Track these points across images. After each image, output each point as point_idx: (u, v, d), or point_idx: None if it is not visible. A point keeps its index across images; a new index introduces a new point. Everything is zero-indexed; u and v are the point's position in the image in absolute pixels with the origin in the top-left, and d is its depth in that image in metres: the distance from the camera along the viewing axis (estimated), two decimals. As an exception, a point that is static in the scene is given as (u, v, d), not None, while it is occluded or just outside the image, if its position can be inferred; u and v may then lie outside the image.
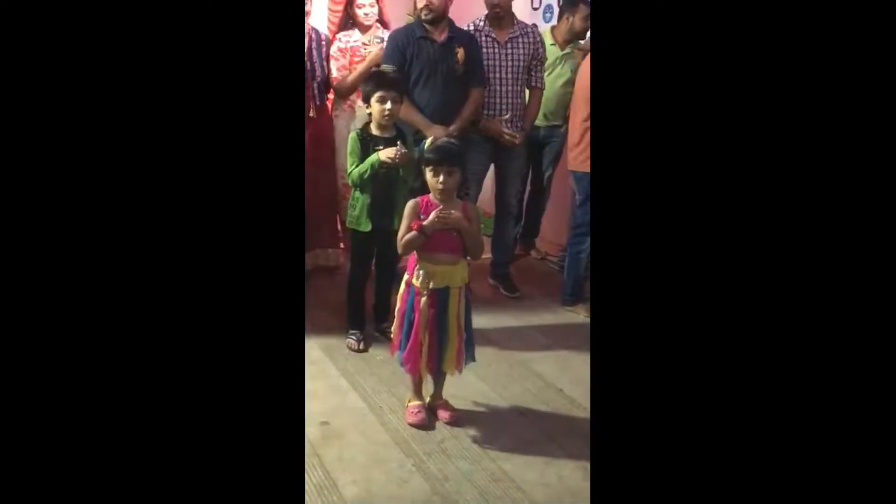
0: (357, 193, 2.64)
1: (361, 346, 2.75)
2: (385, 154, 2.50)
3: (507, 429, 2.23)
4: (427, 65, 2.94)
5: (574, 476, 1.97)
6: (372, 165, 2.53)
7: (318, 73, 3.26)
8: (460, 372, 2.25)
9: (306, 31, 3.12)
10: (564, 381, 2.53)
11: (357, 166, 2.57)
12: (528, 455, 2.08)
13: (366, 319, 2.85)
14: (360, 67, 3.20)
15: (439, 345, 2.16)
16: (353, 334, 2.79)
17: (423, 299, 2.12)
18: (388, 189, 2.60)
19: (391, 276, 2.85)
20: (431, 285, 2.11)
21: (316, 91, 3.27)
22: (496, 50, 3.15)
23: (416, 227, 2.09)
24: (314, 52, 3.23)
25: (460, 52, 2.96)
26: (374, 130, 2.61)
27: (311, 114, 3.25)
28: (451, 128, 2.94)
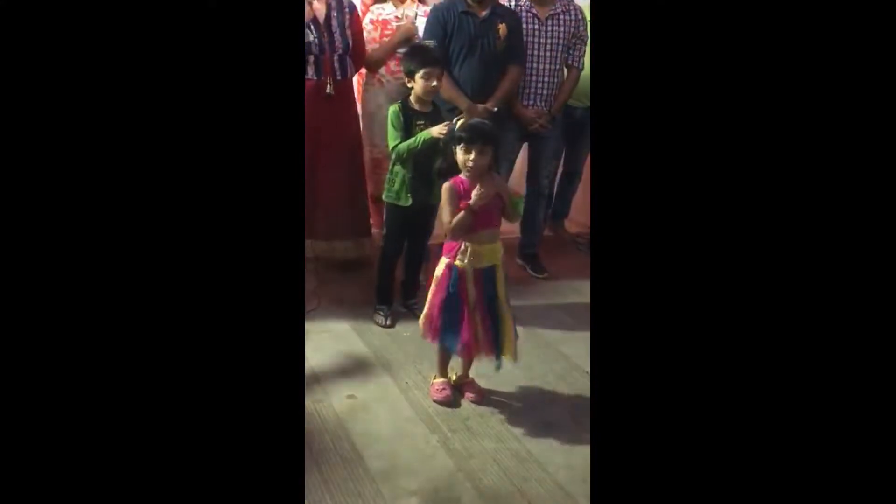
0: (397, 168, 2.64)
1: (388, 322, 2.77)
2: (437, 130, 2.48)
3: (533, 409, 2.23)
4: (467, 40, 2.90)
5: (599, 459, 1.97)
6: (424, 140, 2.52)
7: (339, 44, 2.91)
8: (515, 359, 2.22)
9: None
10: (590, 362, 2.52)
11: (401, 140, 2.57)
12: (553, 436, 2.09)
13: (394, 296, 2.86)
14: (390, 41, 3.16)
15: (494, 327, 2.15)
16: (380, 310, 2.81)
17: (470, 280, 2.11)
18: (427, 163, 2.58)
19: (421, 254, 2.86)
20: (479, 265, 2.10)
21: (336, 64, 2.93)
22: (536, 27, 3.09)
23: (463, 205, 2.07)
24: (333, 21, 2.90)
25: (502, 29, 2.91)
26: (415, 105, 2.62)
27: (328, 90, 2.91)
28: (488, 104, 2.91)
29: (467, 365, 2.30)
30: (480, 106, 2.89)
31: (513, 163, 3.27)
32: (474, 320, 2.13)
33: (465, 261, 2.11)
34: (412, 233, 2.81)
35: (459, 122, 2.19)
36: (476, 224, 2.09)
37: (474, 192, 2.05)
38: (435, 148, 2.52)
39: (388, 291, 2.84)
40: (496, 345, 2.17)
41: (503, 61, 2.98)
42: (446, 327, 2.16)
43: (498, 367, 2.23)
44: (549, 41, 3.10)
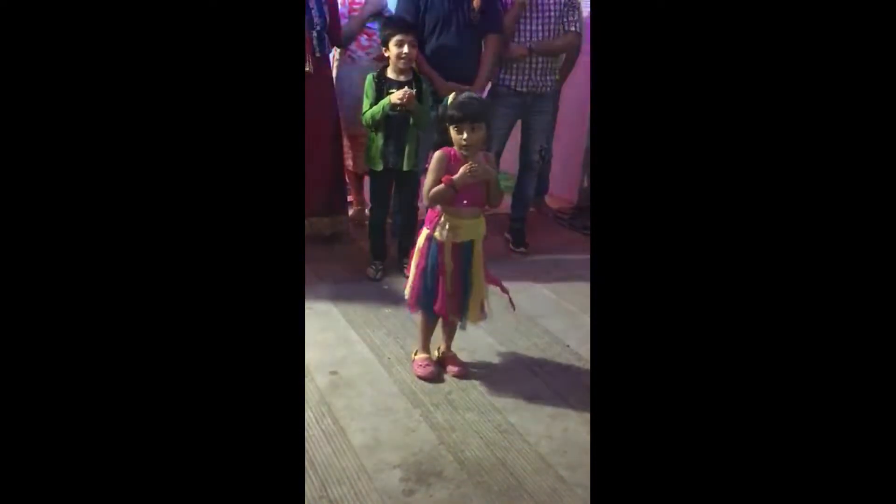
0: (373, 134, 2.77)
1: (378, 276, 2.95)
2: (395, 96, 2.60)
3: (514, 383, 2.25)
4: (442, 14, 2.88)
5: (579, 429, 1.99)
6: (383, 107, 2.65)
7: (318, 21, 2.93)
8: (482, 319, 2.27)
9: None
10: (571, 337, 2.55)
11: (371, 108, 2.69)
12: (534, 408, 2.11)
13: (386, 252, 3.01)
14: (359, 15, 3.12)
15: (464, 295, 2.17)
16: (373, 264, 2.98)
17: (448, 253, 2.12)
18: (399, 130, 2.72)
19: (410, 217, 2.97)
20: (458, 238, 2.11)
21: (315, 41, 2.95)
22: None
23: (446, 181, 2.07)
24: None
25: (476, 0, 2.90)
26: (391, 74, 2.71)
27: (307, 68, 2.91)
28: (475, 86, 2.90)
29: (449, 340, 2.31)
30: (455, 86, 2.87)
31: (506, 139, 3.26)
32: (450, 290, 2.15)
33: (443, 234, 2.11)
34: (397, 197, 2.93)
35: (450, 100, 2.11)
36: (457, 200, 2.09)
37: (462, 168, 2.05)
38: (404, 115, 2.66)
39: (381, 247, 2.99)
40: (463, 311, 2.21)
41: (480, 32, 2.96)
42: (424, 296, 2.18)
43: (462, 327, 2.29)
44: (542, 12, 3.08)
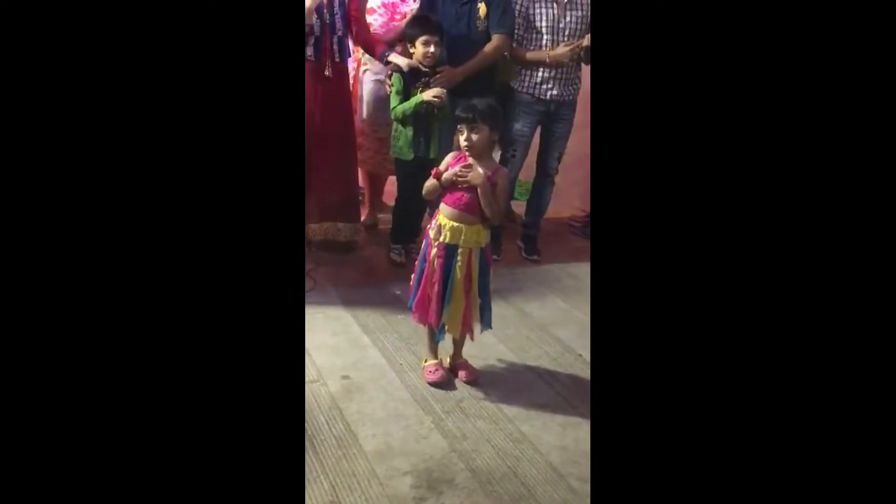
0: (399, 127, 2.97)
1: (402, 259, 3.09)
2: (428, 94, 2.81)
3: (526, 391, 2.25)
4: (450, 25, 2.96)
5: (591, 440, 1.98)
6: (416, 104, 2.83)
7: (340, 26, 2.95)
8: (469, 337, 2.27)
9: None
10: (583, 346, 2.54)
11: (399, 102, 2.89)
12: (546, 418, 2.10)
13: (408, 237, 3.11)
14: (401, 25, 3.15)
15: (442, 300, 2.17)
16: (395, 249, 3.14)
17: (434, 251, 2.16)
18: (425, 123, 2.92)
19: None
20: (442, 239, 2.14)
21: (336, 47, 2.97)
22: (556, 12, 3.06)
23: (434, 174, 2.15)
24: (335, 2, 2.93)
25: (482, 8, 2.97)
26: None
27: (326, 72, 2.96)
28: (458, 69, 2.94)
29: (460, 346, 2.31)
30: (456, 69, 2.94)
31: (527, 146, 3.25)
32: (428, 290, 2.18)
33: (433, 232, 2.17)
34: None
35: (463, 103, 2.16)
36: (447, 200, 2.15)
37: (452, 168, 2.11)
38: (431, 109, 2.86)
39: (403, 233, 3.11)
40: (438, 319, 2.20)
41: (487, 38, 3.02)
42: (413, 290, 2.24)
43: (436, 341, 2.28)
44: (567, 28, 3.08)
